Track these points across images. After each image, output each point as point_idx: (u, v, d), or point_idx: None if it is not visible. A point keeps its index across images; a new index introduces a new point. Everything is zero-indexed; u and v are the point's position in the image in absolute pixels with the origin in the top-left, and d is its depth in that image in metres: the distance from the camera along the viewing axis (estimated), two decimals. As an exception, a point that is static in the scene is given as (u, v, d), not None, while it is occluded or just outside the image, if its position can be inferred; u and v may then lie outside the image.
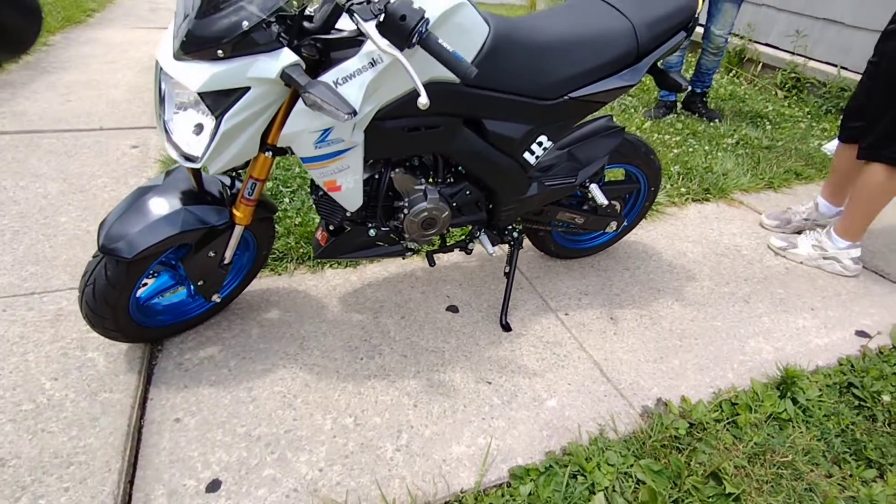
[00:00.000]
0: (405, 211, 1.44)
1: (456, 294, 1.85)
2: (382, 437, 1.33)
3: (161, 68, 1.09)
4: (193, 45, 1.01)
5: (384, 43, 0.99)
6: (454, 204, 1.50)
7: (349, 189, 1.31)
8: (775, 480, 1.26)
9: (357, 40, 1.10)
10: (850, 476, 1.30)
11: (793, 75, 3.94)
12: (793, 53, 3.95)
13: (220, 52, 1.01)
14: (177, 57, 1.04)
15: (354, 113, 1.00)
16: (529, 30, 1.33)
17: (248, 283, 1.69)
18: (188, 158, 1.16)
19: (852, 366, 1.62)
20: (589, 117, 1.62)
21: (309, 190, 2.34)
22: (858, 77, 3.58)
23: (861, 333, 1.77)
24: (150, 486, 1.19)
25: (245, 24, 0.99)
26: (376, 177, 1.41)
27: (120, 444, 1.26)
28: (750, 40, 4.26)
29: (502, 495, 1.20)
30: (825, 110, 3.70)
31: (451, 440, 1.34)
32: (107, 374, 1.43)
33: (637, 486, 1.23)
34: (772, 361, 1.63)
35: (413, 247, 1.57)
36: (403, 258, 1.66)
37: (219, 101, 1.05)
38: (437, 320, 1.73)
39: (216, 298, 1.52)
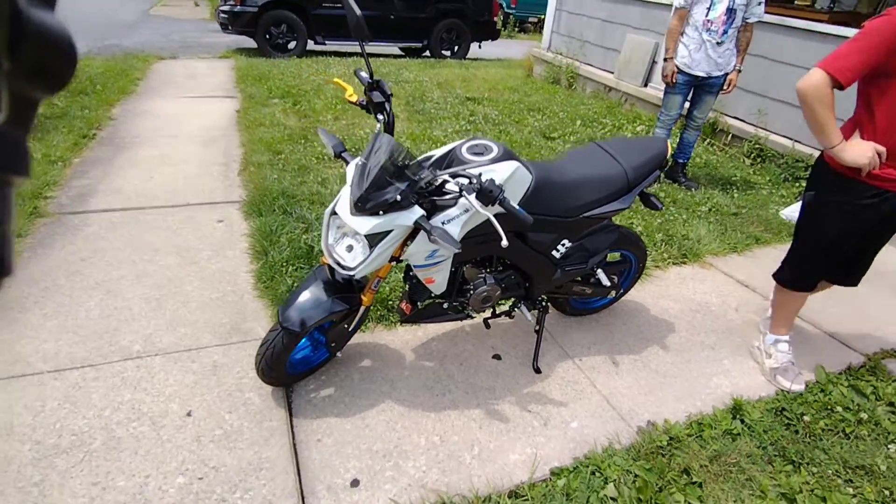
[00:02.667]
0: (471, 292, 2.09)
1: (498, 345, 2.49)
2: (461, 450, 1.96)
3: (336, 213, 1.75)
4: (364, 208, 1.67)
5: (479, 205, 1.65)
6: (503, 285, 2.15)
7: (440, 282, 1.96)
8: (727, 474, 1.89)
9: (454, 198, 1.76)
10: (779, 472, 1.93)
11: (757, 146, 4.69)
12: (756, 127, 4.71)
13: (380, 212, 1.67)
14: (352, 213, 1.70)
15: (460, 248, 1.66)
16: (557, 174, 2.01)
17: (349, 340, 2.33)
18: (344, 268, 1.80)
19: (785, 395, 2.26)
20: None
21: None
22: (811, 150, 4.35)
23: (794, 372, 2.42)
24: (312, 483, 1.80)
25: (398, 197, 1.65)
26: (453, 270, 2.07)
27: (287, 456, 1.87)
28: (722, 114, 5.04)
29: (546, 486, 1.83)
30: (783, 178, 4.43)
31: (508, 451, 1.96)
32: (263, 408, 2.05)
33: (635, 478, 1.85)
34: (728, 394, 2.27)
35: (472, 314, 2.22)
36: (461, 321, 2.31)
37: (374, 238, 1.71)
38: (486, 365, 2.37)
39: (339, 354, 2.16)
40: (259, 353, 1.96)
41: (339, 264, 1.80)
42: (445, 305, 2.16)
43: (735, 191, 4.25)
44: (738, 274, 3.20)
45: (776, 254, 3.43)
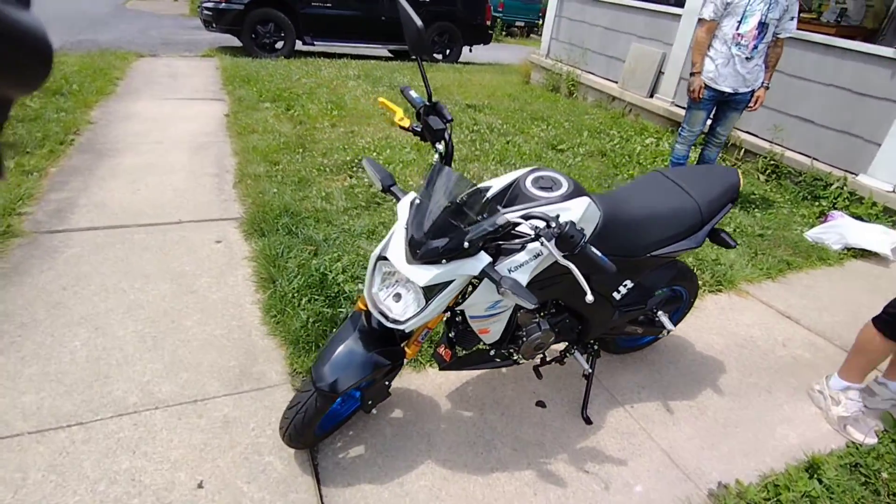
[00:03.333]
0: (524, 339, 1.85)
1: (540, 390, 2.26)
2: (518, 524, 1.71)
3: (385, 258, 1.49)
4: (424, 257, 1.42)
5: (559, 254, 1.41)
6: (556, 330, 1.92)
7: (495, 331, 1.72)
8: (816, 549, 1.70)
9: (524, 243, 1.52)
10: (868, 542, 1.75)
11: (772, 162, 4.57)
12: (771, 142, 4.59)
13: (443, 260, 1.42)
14: (408, 261, 1.44)
15: (537, 303, 1.42)
16: (625, 209, 1.79)
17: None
18: (392, 321, 1.54)
19: (857, 447, 2.08)
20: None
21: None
22: (830, 168, 4.26)
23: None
24: (352, 572, 1.54)
25: (466, 244, 1.40)
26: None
27: (321, 538, 1.61)
28: (735, 128, 4.91)
29: (621, 569, 1.60)
30: (802, 197, 4.32)
31: (571, 524, 1.73)
32: (287, 475, 1.77)
33: (720, 558, 1.64)
34: (796, 446, 2.08)
35: (521, 361, 1.98)
36: (507, 367, 2.07)
37: (432, 290, 1.45)
38: (531, 415, 2.13)
39: (374, 411, 1.89)
40: (286, 416, 1.69)
41: (384, 316, 1.54)
42: (492, 352, 1.91)
43: (756, 210, 4.11)
44: (776, 303, 3.03)
45: (809, 280, 3.29)
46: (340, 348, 1.65)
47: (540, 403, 2.19)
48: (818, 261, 3.46)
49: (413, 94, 1.73)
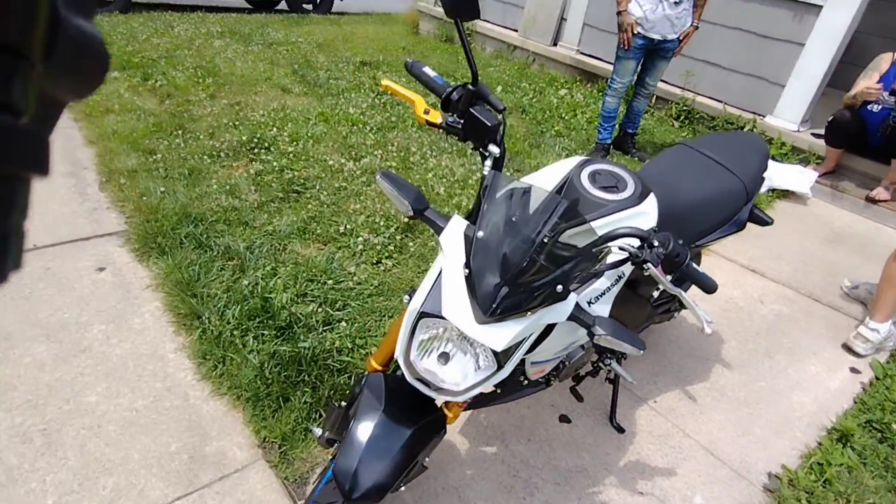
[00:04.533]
0: (566, 363, 1.53)
1: (556, 401, 1.98)
2: (597, 583, 1.45)
3: (437, 317, 1.05)
4: (504, 311, 1.00)
5: (667, 280, 1.08)
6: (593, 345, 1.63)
7: (549, 369, 1.37)
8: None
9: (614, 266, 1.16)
10: (908, 503, 1.75)
11: (685, 108, 4.64)
12: (683, 88, 4.64)
13: (528, 312, 1.02)
14: (479, 321, 1.01)
15: (644, 348, 1.09)
16: (673, 196, 1.50)
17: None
18: (440, 390, 1.12)
19: (864, 403, 2.11)
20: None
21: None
22: (739, 112, 4.40)
23: (853, 370, 2.30)
24: None
25: (559, 288, 1.01)
26: None
27: None
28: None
29: None
30: (717, 140, 4.45)
31: (651, 567, 1.50)
32: None
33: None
34: (816, 412, 2.06)
35: (554, 383, 1.67)
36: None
37: (508, 351, 1.05)
38: (559, 435, 1.86)
39: (403, 487, 1.47)
40: None
41: (425, 382, 1.12)
42: (526, 382, 1.57)
43: (682, 158, 4.14)
44: (738, 257, 3.04)
45: (754, 228, 3.35)
46: (368, 435, 1.20)
47: (564, 418, 1.92)
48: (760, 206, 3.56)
49: (430, 72, 1.25)
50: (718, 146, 1.76)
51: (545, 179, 1.36)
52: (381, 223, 2.80)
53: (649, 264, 1.06)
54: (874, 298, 2.40)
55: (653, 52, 3.64)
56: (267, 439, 1.70)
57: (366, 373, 1.34)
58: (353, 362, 1.98)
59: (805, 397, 2.13)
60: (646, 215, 1.32)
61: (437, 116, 1.17)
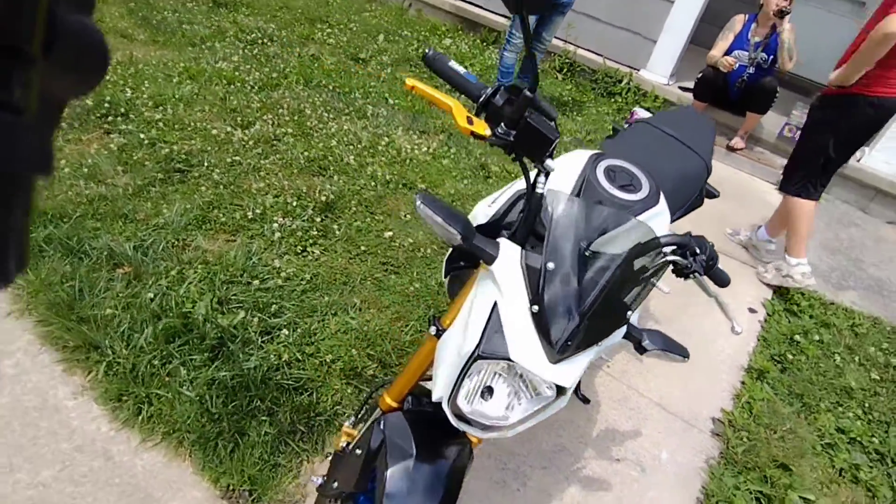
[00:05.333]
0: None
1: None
2: (604, 560, 1.51)
3: (501, 360, 0.91)
4: (578, 348, 0.90)
5: (712, 286, 1.06)
6: None
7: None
8: (796, 447, 1.94)
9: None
10: (810, 420, 2.08)
11: (567, 61, 4.75)
12: (565, 41, 4.72)
13: (598, 344, 0.93)
14: (553, 361, 0.89)
15: (688, 356, 1.07)
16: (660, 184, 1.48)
17: None
18: (487, 427, 1.01)
19: (765, 339, 2.43)
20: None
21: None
22: (617, 66, 4.61)
23: (751, 310, 2.62)
24: None
25: (630, 313, 0.92)
26: None
27: None
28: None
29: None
30: (599, 94, 4.65)
31: (644, 531, 1.60)
32: None
33: (759, 497, 1.74)
34: (734, 354, 2.32)
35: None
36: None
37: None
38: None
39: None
40: None
41: (465, 420, 1.00)
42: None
43: (573, 113, 4.27)
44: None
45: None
46: (407, 486, 1.05)
47: (534, 398, 1.93)
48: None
49: (458, 67, 1.03)
50: (677, 123, 1.79)
51: (559, 178, 1.25)
52: (295, 203, 2.47)
53: (696, 272, 1.02)
54: (789, 236, 2.74)
55: (551, 7, 3.60)
56: (231, 487, 1.44)
57: (381, 413, 1.16)
58: (309, 376, 1.75)
59: (723, 343, 2.40)
60: (664, 214, 1.29)
61: (483, 127, 0.97)
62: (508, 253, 0.94)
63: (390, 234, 2.46)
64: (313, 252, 2.27)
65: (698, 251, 1.03)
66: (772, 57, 3.80)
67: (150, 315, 1.80)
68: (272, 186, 2.57)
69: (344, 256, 2.30)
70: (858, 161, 3.84)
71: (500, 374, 0.98)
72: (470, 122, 0.95)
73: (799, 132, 3.85)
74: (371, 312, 2.06)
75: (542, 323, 0.90)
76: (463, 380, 0.95)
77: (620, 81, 4.54)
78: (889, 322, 2.77)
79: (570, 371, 0.92)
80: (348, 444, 1.24)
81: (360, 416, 1.35)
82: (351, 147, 3.03)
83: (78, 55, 0.25)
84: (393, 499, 1.00)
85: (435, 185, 2.90)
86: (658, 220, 1.25)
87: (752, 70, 3.87)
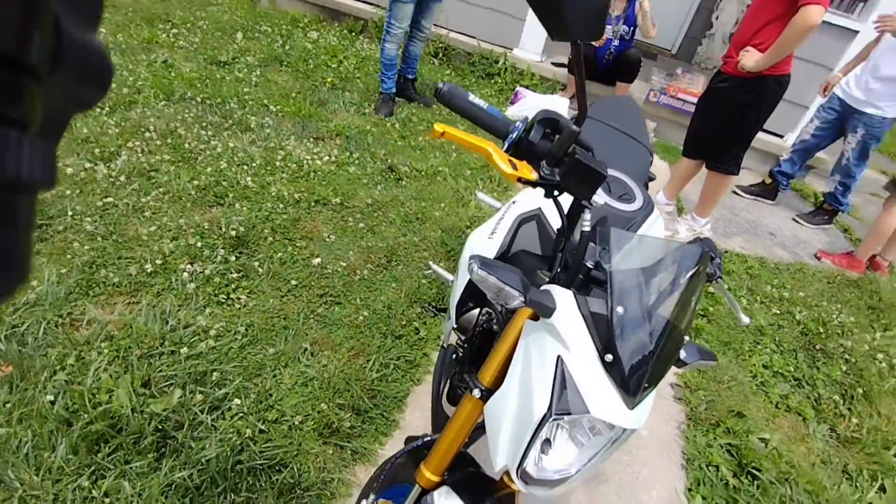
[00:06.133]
0: None
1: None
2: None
3: (587, 411, 0.83)
4: (653, 385, 0.84)
5: (725, 289, 1.07)
6: None
7: None
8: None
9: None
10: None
11: (441, 45, 4.68)
12: (436, 25, 4.63)
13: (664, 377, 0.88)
14: (631, 406, 0.83)
15: (716, 359, 1.08)
16: None
17: None
18: (545, 483, 0.93)
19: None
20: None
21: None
22: (492, 47, 4.63)
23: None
24: None
25: (686, 339, 0.89)
26: None
27: None
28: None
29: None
30: (479, 76, 4.65)
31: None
32: None
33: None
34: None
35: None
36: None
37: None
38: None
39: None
40: None
41: (529, 478, 0.92)
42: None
43: (458, 99, 4.22)
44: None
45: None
46: None
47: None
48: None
49: (480, 102, 0.89)
50: (615, 115, 1.80)
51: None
52: (200, 244, 2.14)
53: (717, 280, 1.03)
54: (703, 201, 3.02)
55: (428, -8, 3.49)
56: None
57: (420, 490, 1.03)
58: (281, 447, 1.53)
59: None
60: (660, 219, 1.28)
61: (528, 171, 0.85)
62: (565, 302, 0.86)
63: (318, 260, 2.24)
64: (238, 298, 1.98)
65: (713, 256, 1.04)
66: (631, 28, 4.09)
67: (58, 423, 1.44)
68: (165, 228, 2.20)
69: (274, 296, 2.04)
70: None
71: (561, 427, 0.91)
72: (514, 166, 0.83)
73: (662, 96, 4.22)
74: (325, 354, 1.86)
75: (616, 371, 0.83)
76: (533, 443, 0.86)
77: (497, 62, 4.59)
78: (771, 259, 3.18)
79: (644, 411, 0.87)
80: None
81: (379, 491, 1.20)
82: (245, 167, 2.69)
83: (82, 71, 0.25)
84: None
85: (348, 196, 2.69)
86: (657, 226, 1.25)
87: (616, 42, 4.13)
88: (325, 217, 2.51)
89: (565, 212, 0.92)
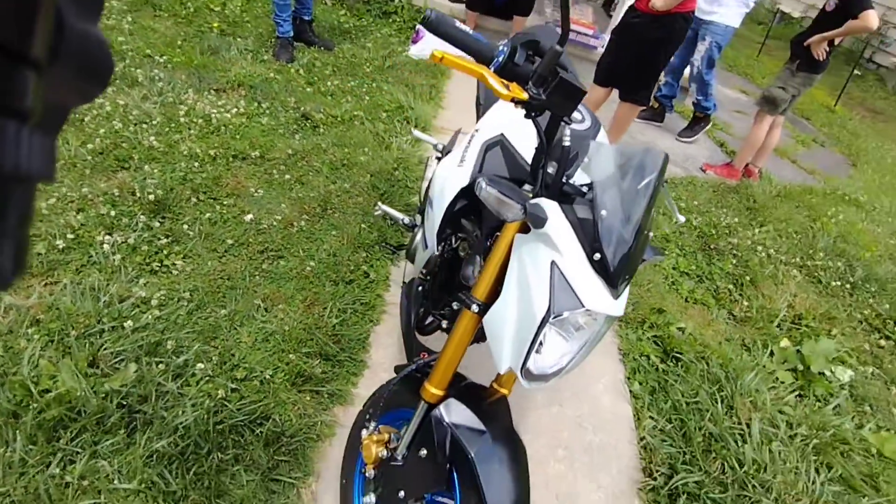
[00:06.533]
0: None
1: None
2: (587, 440, 1.74)
3: (586, 309, 0.93)
4: (630, 277, 0.96)
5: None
6: None
7: None
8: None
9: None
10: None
11: (333, -15, 4.42)
12: (324, -37, 4.35)
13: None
14: (615, 297, 0.94)
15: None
16: None
17: None
18: (542, 377, 1.05)
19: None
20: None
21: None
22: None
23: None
24: None
25: (651, 235, 1.01)
26: None
27: None
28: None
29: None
30: (378, 15, 4.47)
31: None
32: None
33: (658, 340, 2.17)
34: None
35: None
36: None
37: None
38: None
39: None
40: None
41: (530, 375, 1.03)
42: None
43: (360, 39, 4.06)
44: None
45: (456, 94, 3.72)
46: (485, 457, 1.03)
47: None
48: (441, 76, 3.90)
49: (465, 27, 0.89)
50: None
51: (515, 127, 1.22)
52: (113, 212, 1.96)
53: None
54: (615, 134, 3.19)
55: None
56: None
57: (427, 406, 1.10)
58: (256, 401, 1.52)
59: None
60: (605, 137, 1.38)
61: (520, 91, 0.87)
62: (553, 212, 0.94)
63: (250, 216, 2.15)
64: (174, 265, 1.87)
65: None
66: (524, -39, 4.13)
67: (5, 417, 1.31)
68: (66, 199, 1.97)
69: (212, 258, 1.94)
70: (603, 47, 4.54)
71: (551, 325, 1.01)
72: (507, 87, 0.87)
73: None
74: (280, 308, 1.83)
75: (603, 267, 0.93)
76: (535, 343, 0.96)
77: (393, 0, 4.45)
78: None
79: (624, 300, 0.99)
80: (390, 451, 1.15)
81: (378, 417, 1.26)
82: (144, 126, 2.45)
83: (83, 62, 0.25)
84: (491, 477, 1.00)
85: (267, 148, 2.56)
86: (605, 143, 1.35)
87: (511, -24, 4.16)
88: (247, 172, 2.39)
89: (543, 129, 0.99)
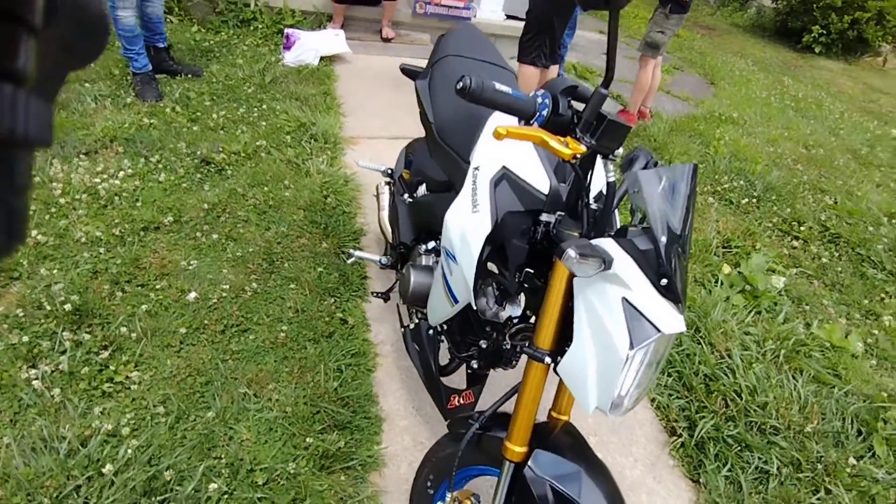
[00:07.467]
0: None
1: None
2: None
3: (656, 332, 0.91)
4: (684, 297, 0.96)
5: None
6: None
7: None
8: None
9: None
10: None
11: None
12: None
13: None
14: (681, 313, 0.94)
15: None
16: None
17: None
18: (618, 407, 1.04)
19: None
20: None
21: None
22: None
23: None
24: None
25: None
26: None
27: None
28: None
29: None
30: (236, 25, 4.05)
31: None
32: None
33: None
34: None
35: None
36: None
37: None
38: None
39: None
40: None
41: (618, 408, 1.03)
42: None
43: (229, 57, 3.67)
44: (381, 133, 3.22)
45: (360, 98, 3.52)
46: (594, 497, 1.02)
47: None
48: (328, 80, 3.66)
49: (505, 88, 0.81)
50: (468, 47, 1.76)
51: (513, 156, 1.15)
52: (26, 338, 1.63)
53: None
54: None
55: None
56: None
57: (512, 466, 1.05)
58: (294, 500, 1.38)
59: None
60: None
61: (576, 144, 0.81)
62: (616, 251, 0.91)
63: (193, 294, 1.90)
64: (128, 378, 1.61)
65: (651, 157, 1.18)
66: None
67: None
68: (-41, 339, 1.61)
69: (169, 355, 1.70)
70: (475, 17, 4.54)
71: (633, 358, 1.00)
72: (566, 145, 0.81)
73: (428, 6, 4.29)
74: (270, 389, 1.66)
75: (669, 289, 0.93)
76: (625, 378, 0.94)
77: (247, 5, 4.07)
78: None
79: (684, 311, 1.00)
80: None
81: (446, 483, 1.19)
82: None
83: (79, 26, 0.24)
84: None
85: (178, 210, 2.25)
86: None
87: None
88: (168, 243, 2.09)
89: (581, 171, 0.95)
